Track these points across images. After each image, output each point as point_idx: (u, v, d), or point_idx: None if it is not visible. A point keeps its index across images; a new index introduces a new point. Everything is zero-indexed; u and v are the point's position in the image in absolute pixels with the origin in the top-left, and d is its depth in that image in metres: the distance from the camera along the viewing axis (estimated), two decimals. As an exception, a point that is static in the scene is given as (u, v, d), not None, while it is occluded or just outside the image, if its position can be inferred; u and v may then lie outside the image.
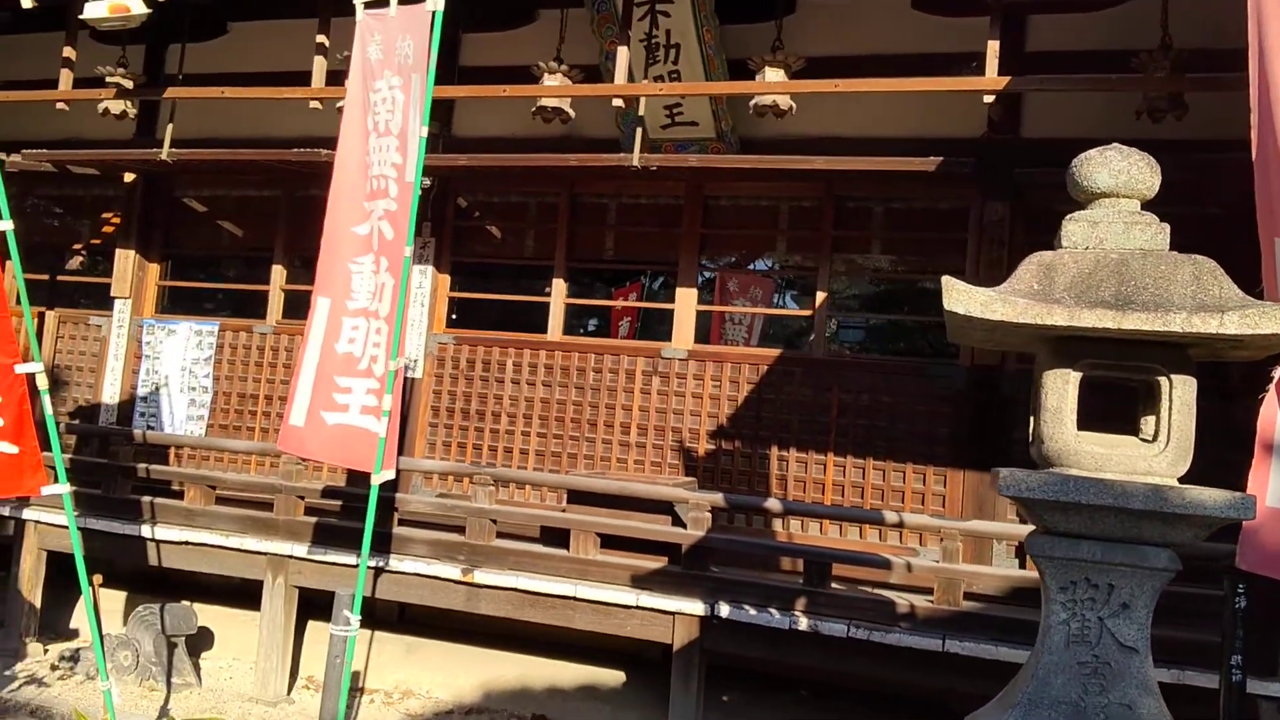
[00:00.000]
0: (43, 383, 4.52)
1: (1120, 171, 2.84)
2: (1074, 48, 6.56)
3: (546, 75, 6.49)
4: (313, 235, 8.44)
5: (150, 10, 6.16)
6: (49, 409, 4.52)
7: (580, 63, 6.90)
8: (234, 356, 8.44)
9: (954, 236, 7.01)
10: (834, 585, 5.77)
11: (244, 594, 7.33)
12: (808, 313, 7.33)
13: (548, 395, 7.62)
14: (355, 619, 4.74)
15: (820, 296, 7.16)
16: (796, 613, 5.64)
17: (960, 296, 2.66)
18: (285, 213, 8.47)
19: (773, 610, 5.67)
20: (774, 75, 6.04)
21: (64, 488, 4.57)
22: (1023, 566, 6.52)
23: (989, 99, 5.78)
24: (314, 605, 6.88)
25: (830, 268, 7.21)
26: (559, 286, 7.75)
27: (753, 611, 5.67)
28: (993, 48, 5.61)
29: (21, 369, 4.41)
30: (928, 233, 7.14)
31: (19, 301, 4.86)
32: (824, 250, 7.19)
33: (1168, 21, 5.66)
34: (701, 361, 7.29)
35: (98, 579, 5.39)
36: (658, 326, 7.98)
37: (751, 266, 7.81)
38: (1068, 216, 2.91)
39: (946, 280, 2.69)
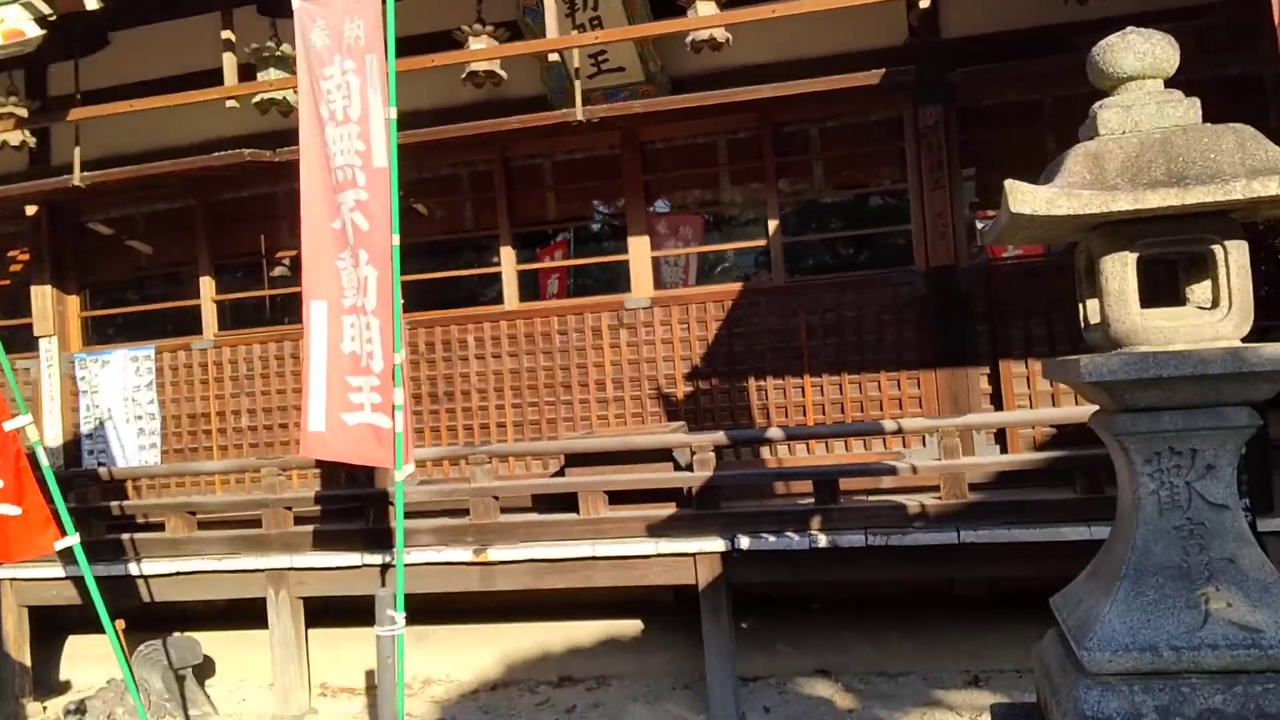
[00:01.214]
0: (33, 434, 4.29)
1: (1145, 54, 2.91)
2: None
3: (472, 39, 6.32)
4: (238, 241, 8.25)
5: (44, 32, 5.78)
6: (44, 460, 4.29)
7: (497, 21, 6.74)
8: (176, 378, 8.13)
9: (892, 146, 7.15)
10: (843, 500, 5.94)
11: (235, 615, 7.18)
12: (762, 243, 7.39)
13: (516, 365, 7.55)
14: (400, 617, 4.67)
15: (773, 225, 7.23)
16: (814, 531, 5.78)
17: (1026, 197, 2.71)
18: (204, 222, 8.13)
19: (791, 534, 5.79)
20: (706, 8, 6.00)
21: (74, 539, 4.37)
22: (1004, 451, 6.80)
23: (925, 4, 5.85)
24: (311, 613, 6.79)
25: (778, 195, 7.27)
26: (508, 255, 7.65)
27: (772, 539, 5.79)
28: (918, -49, 5.67)
29: (10, 425, 4.17)
30: (866, 146, 7.25)
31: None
32: (769, 179, 7.25)
33: (1081, -95, 5.81)
34: (666, 306, 7.31)
35: (120, 624, 5.18)
36: (609, 279, 7.96)
37: (701, 205, 7.80)
38: (1099, 104, 2.97)
39: (1010, 183, 2.74)
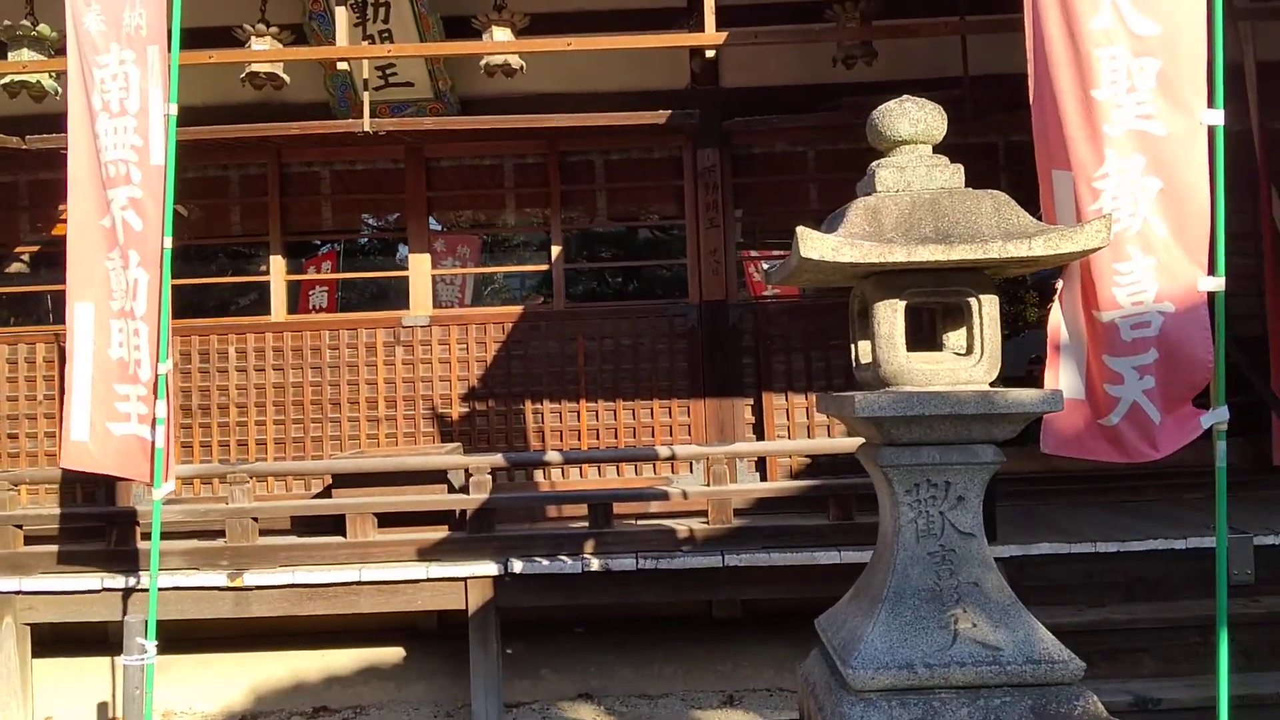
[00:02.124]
0: None
1: (918, 120, 3.22)
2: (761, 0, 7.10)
3: (255, 39, 6.05)
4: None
5: None
6: None
7: (281, 22, 6.50)
8: (-111, 377, 7.22)
9: (672, 183, 7.43)
10: (616, 524, 6.06)
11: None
12: (544, 267, 7.47)
13: (281, 380, 7.22)
14: (152, 645, 4.36)
15: (555, 250, 7.32)
16: (587, 555, 5.87)
17: (815, 243, 2.92)
18: (-72, 207, 7.30)
19: (564, 557, 5.86)
20: (501, 34, 6.04)
21: None
22: (763, 479, 7.17)
23: (710, 54, 6.14)
24: (39, 641, 6.21)
25: (561, 222, 7.38)
26: (278, 263, 7.32)
27: (546, 562, 5.83)
28: (709, 4, 5.95)
29: None
30: (647, 181, 7.51)
31: None
32: (553, 205, 7.35)
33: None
34: (445, 326, 7.23)
35: None
36: (380, 295, 7.80)
37: (484, 226, 7.78)
38: (877, 163, 3.25)
39: (801, 230, 2.94)
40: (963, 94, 6.38)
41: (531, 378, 7.22)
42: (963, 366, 3.15)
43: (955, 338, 3.27)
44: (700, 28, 6.06)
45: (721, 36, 5.96)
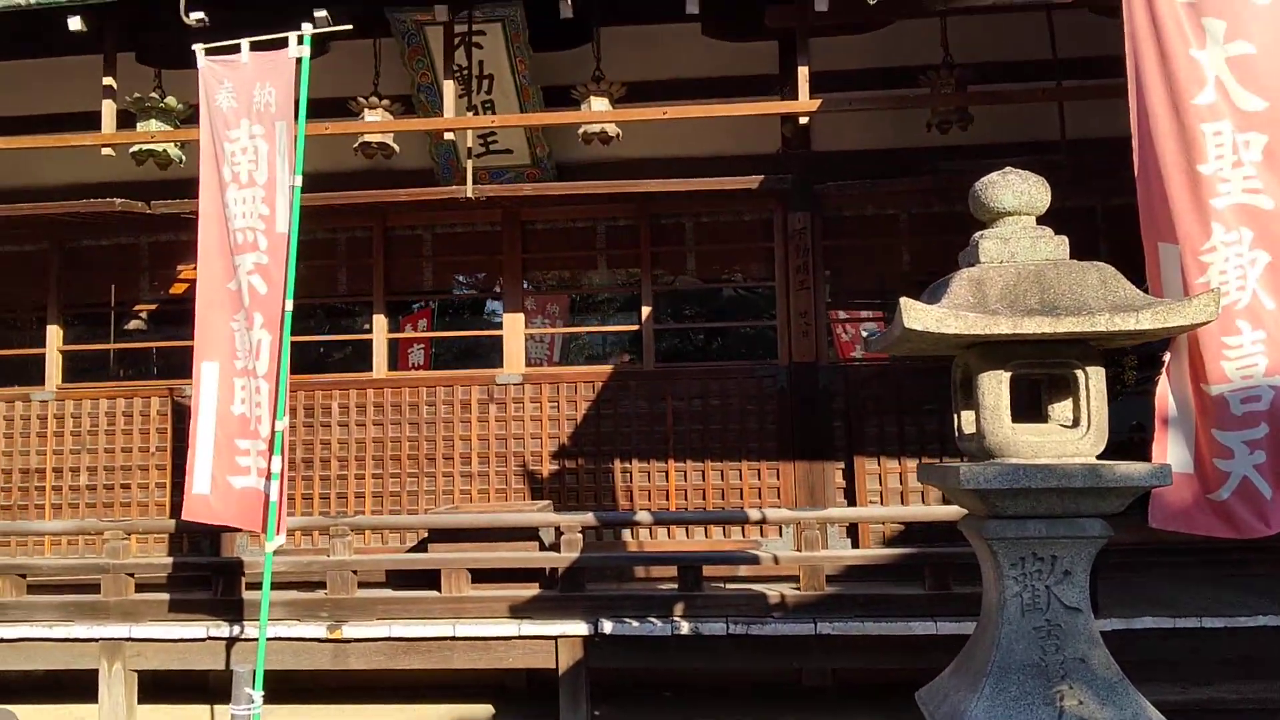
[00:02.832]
0: None
1: (1022, 193, 3.25)
2: (852, 66, 7.19)
3: (368, 110, 6.34)
4: (92, 290, 7.87)
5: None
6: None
7: (390, 93, 6.80)
8: (10, 429, 7.62)
9: (761, 245, 7.51)
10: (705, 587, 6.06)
11: (53, 688, 6.68)
12: (634, 327, 7.58)
13: (380, 434, 7.43)
14: (259, 695, 4.49)
15: (645, 311, 7.43)
16: (676, 618, 5.87)
17: (919, 314, 2.96)
18: (59, 268, 7.73)
19: (654, 619, 5.87)
20: (599, 104, 6.23)
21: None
22: (855, 546, 7.09)
23: (804, 120, 6.24)
24: (140, 688, 6.39)
25: (651, 283, 7.50)
26: (380, 322, 7.57)
27: (635, 624, 5.84)
28: (803, 73, 6.06)
29: None
30: (736, 242, 7.59)
31: None
32: (644, 266, 7.47)
33: (946, 41, 6.35)
34: (537, 384, 7.38)
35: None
36: (474, 352, 7.99)
37: (576, 286, 7.96)
38: (980, 234, 3.28)
39: (905, 301, 2.98)
40: (1060, 159, 6.34)
41: (620, 436, 7.30)
42: (1069, 439, 3.13)
43: (1061, 409, 3.26)
44: (793, 95, 6.16)
45: (815, 104, 6.05)
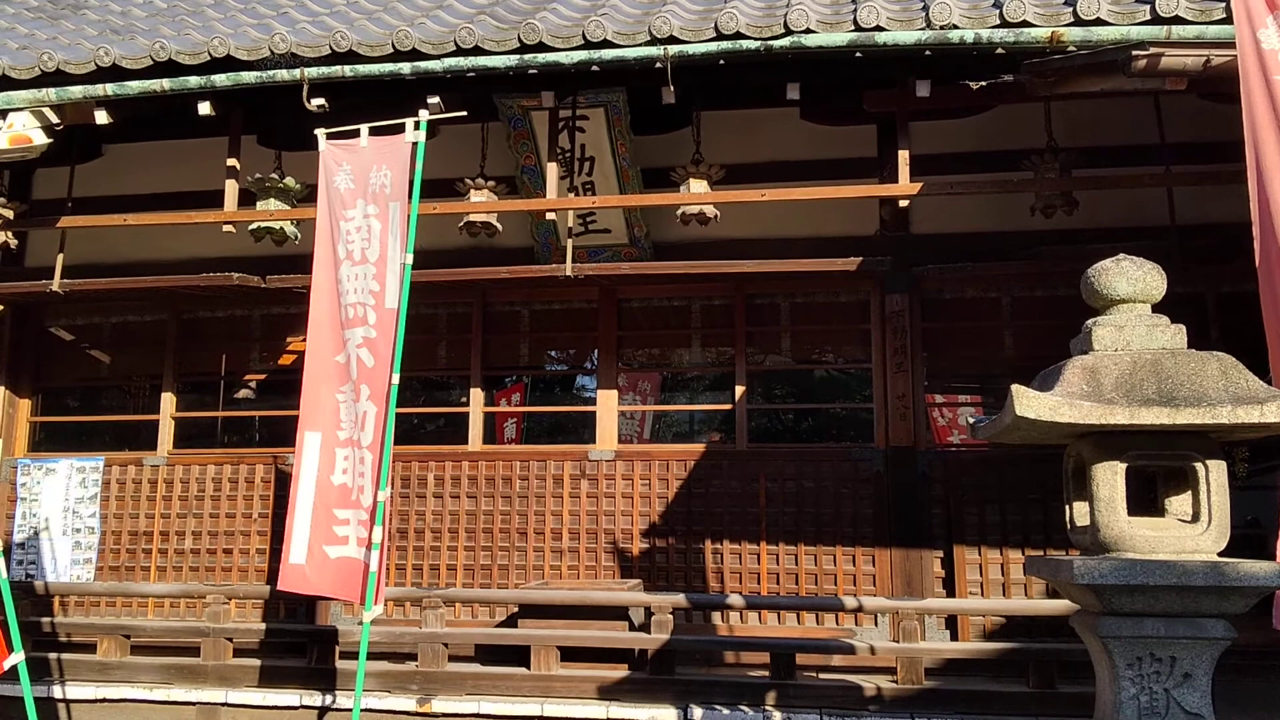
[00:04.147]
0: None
1: (1136, 280, 3.18)
2: (952, 150, 7.17)
3: (474, 191, 6.54)
4: (204, 360, 8.20)
5: (50, 140, 5.88)
6: (2, 571, 4.14)
7: (495, 174, 7.02)
8: (123, 492, 7.91)
9: (858, 327, 7.45)
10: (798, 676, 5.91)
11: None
12: (727, 406, 7.57)
13: (473, 507, 7.50)
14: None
15: (739, 390, 7.41)
16: (768, 707, 5.73)
17: (1031, 402, 2.90)
18: (174, 338, 8.09)
19: (745, 707, 5.74)
20: (698, 185, 6.32)
21: (20, 656, 4.18)
22: (954, 638, 6.85)
23: (904, 204, 6.23)
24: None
25: (745, 362, 7.49)
26: (477, 396, 7.71)
27: (726, 711, 5.72)
28: (903, 157, 6.08)
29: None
30: (833, 324, 7.55)
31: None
32: (738, 345, 7.48)
33: (1050, 126, 6.31)
34: (629, 461, 7.38)
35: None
36: (564, 427, 8.05)
37: (670, 364, 8.01)
38: (1093, 321, 3.21)
39: (1016, 388, 2.93)
40: (1169, 245, 6.18)
41: (712, 516, 7.23)
42: (1188, 534, 3.01)
43: (1178, 502, 3.14)
44: (893, 177, 6.17)
45: (916, 187, 6.05)
